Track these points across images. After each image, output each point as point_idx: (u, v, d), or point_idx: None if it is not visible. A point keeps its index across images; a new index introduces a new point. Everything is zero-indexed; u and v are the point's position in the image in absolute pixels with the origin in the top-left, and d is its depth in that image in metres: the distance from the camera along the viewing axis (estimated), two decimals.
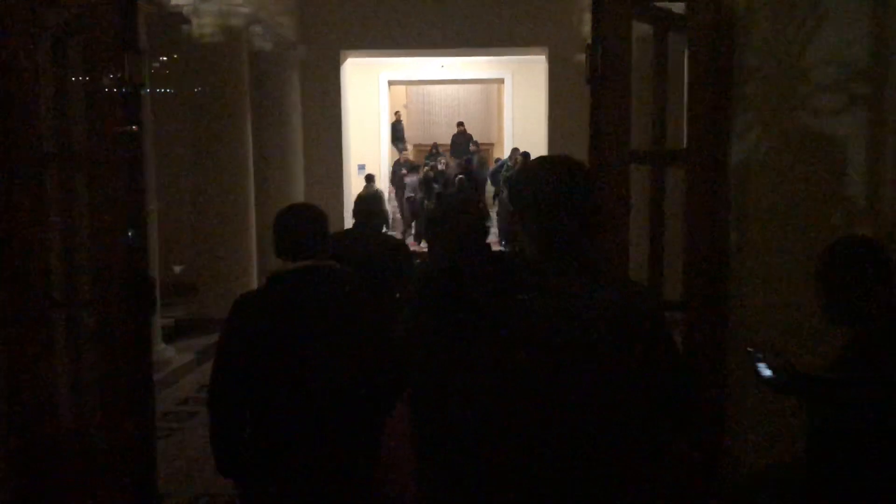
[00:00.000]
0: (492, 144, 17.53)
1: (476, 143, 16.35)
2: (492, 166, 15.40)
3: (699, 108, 2.85)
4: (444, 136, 17.66)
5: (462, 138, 16.15)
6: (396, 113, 17.79)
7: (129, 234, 3.09)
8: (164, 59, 9.68)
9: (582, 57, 2.98)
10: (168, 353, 7.03)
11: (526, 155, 13.30)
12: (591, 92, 3.02)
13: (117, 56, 3.02)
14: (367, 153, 14.64)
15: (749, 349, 2.15)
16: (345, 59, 12.50)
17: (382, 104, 16.78)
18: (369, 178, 13.85)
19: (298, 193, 11.24)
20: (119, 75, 3.01)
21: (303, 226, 2.43)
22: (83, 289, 3.22)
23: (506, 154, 15.01)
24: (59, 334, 3.21)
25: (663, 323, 1.64)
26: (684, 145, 2.91)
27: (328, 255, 2.43)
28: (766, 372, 2.13)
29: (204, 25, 8.22)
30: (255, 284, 8.02)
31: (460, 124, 16.61)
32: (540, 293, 1.53)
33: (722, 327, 2.86)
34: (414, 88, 18.99)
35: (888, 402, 1.97)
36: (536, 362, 1.47)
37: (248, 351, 2.31)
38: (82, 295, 3.23)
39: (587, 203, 1.60)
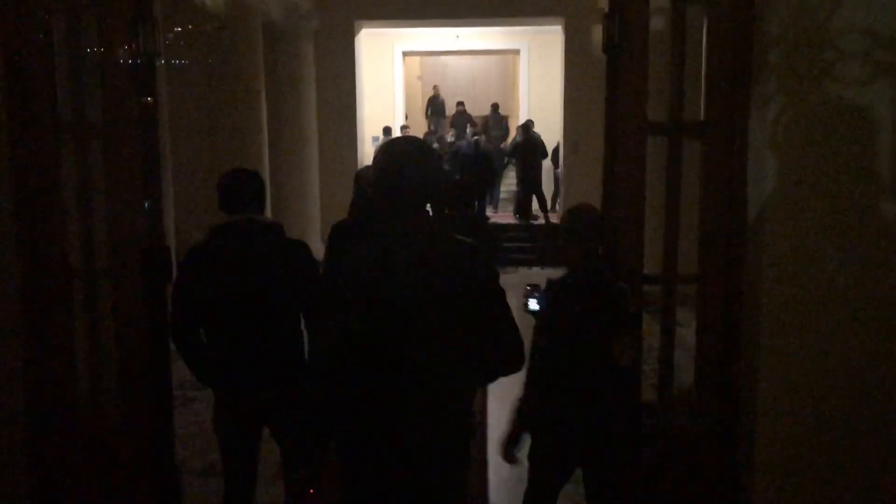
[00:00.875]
0: (507, 116, 17.41)
1: (491, 119, 16.18)
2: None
3: (718, 78, 2.80)
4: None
5: (462, 118, 16.09)
6: (435, 87, 17.70)
7: (145, 204, 3.10)
8: (178, 29, 9.64)
9: (599, 27, 2.94)
10: None
11: (526, 124, 13.20)
12: (607, 62, 2.98)
13: (132, 27, 3.01)
14: (381, 124, 14.60)
15: (527, 286, 2.80)
16: (359, 30, 12.40)
17: (397, 75, 16.67)
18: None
19: (312, 164, 11.24)
20: (133, 46, 3.01)
21: (239, 185, 3.02)
22: (99, 258, 3.25)
23: (520, 122, 14.91)
24: (77, 303, 3.25)
25: (489, 276, 2.08)
26: (702, 117, 2.88)
27: (262, 211, 3.01)
28: (534, 306, 2.79)
29: None
30: None
31: (460, 104, 16.48)
32: (383, 247, 2.03)
33: (737, 303, 2.85)
34: (428, 59, 18.83)
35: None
36: (384, 297, 1.97)
37: (194, 288, 2.92)
38: (99, 264, 3.25)
39: (417, 178, 2.01)
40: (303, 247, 3.03)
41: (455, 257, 2.04)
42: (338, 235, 3.81)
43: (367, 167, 4.39)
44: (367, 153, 13.29)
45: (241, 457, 3.08)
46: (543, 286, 2.84)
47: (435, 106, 17.25)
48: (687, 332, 3.20)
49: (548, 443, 2.85)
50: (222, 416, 3.08)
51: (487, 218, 5.25)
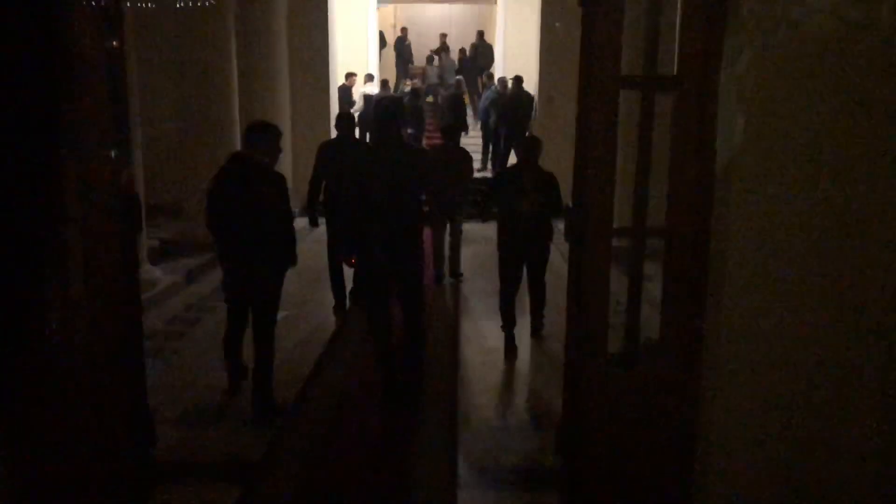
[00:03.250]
0: (492, 46, 17.28)
1: (479, 47, 16.94)
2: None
3: (691, 31, 2.80)
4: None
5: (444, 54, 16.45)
6: (403, 29, 17.41)
7: (112, 153, 3.05)
8: None
9: None
10: (155, 274, 7.05)
11: (518, 79, 13.05)
12: (583, 13, 2.97)
13: None
14: (355, 73, 14.38)
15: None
16: None
17: (371, 24, 16.37)
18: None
19: (285, 115, 11.07)
20: None
21: (247, 132, 4.35)
22: (69, 206, 3.19)
23: (497, 75, 14.86)
24: (47, 252, 3.20)
25: (429, 166, 4.74)
26: (675, 71, 2.88)
27: (268, 153, 4.30)
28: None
29: None
30: None
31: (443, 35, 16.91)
32: (376, 152, 4.57)
33: (703, 256, 2.89)
34: (403, 8, 18.50)
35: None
36: (381, 174, 4.30)
37: (211, 197, 4.27)
38: (68, 212, 3.20)
39: (396, 121, 4.47)
40: (281, 179, 4.38)
41: (411, 155, 4.62)
42: (324, 146, 6.63)
43: (347, 113, 7.21)
44: (337, 102, 13.15)
45: (237, 309, 4.54)
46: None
47: (401, 52, 17.13)
48: (655, 287, 3.25)
49: (505, 252, 5.65)
50: (227, 286, 4.48)
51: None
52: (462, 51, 16.97)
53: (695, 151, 2.86)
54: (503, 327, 5.67)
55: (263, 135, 4.27)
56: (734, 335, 2.75)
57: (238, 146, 8.41)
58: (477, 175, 12.17)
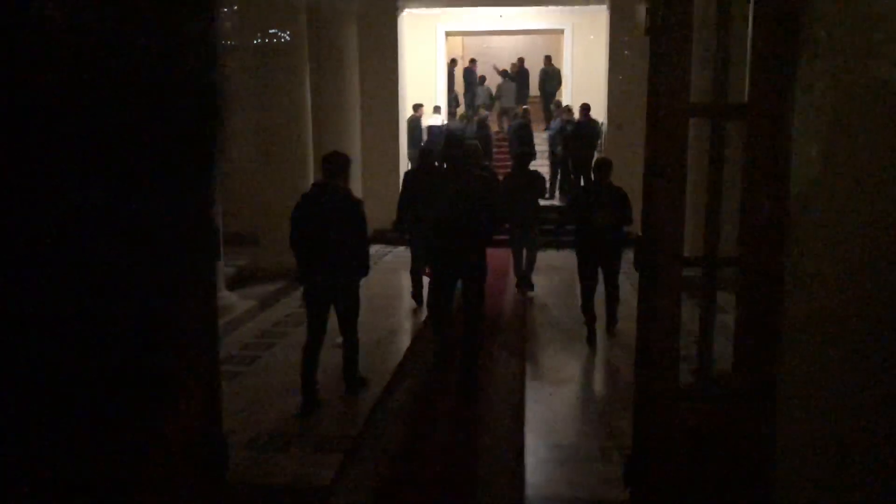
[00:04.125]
0: (559, 70, 17.39)
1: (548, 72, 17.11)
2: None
3: (762, 58, 2.77)
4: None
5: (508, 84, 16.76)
6: (471, 60, 17.75)
7: None
8: (225, 10, 9.77)
9: (643, 7, 2.92)
10: (231, 300, 7.28)
11: (585, 107, 13.02)
12: (650, 43, 2.97)
13: None
14: (424, 104, 14.64)
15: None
16: (402, 10, 12.41)
17: (440, 55, 16.65)
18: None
19: (355, 144, 11.33)
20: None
21: (327, 160, 5.07)
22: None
23: (564, 101, 14.91)
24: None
25: (493, 189, 5.89)
26: (746, 99, 2.85)
27: (342, 179, 5.03)
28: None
29: None
30: None
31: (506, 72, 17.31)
32: (448, 179, 5.53)
33: (777, 287, 2.83)
34: (470, 39, 18.75)
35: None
36: (450, 197, 5.25)
37: (298, 218, 4.96)
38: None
39: (463, 154, 5.52)
40: (359, 202, 5.09)
41: (478, 181, 5.41)
42: (409, 174, 7.82)
43: (429, 149, 8.45)
44: (406, 134, 13.38)
45: (317, 318, 5.03)
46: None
47: (469, 80, 17.41)
48: (729, 318, 3.19)
49: (582, 258, 6.49)
50: (308, 295, 5.07)
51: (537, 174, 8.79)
52: (517, 67, 17.40)
53: (767, 180, 2.81)
54: (585, 323, 6.48)
55: (337, 162, 5.06)
56: (809, 365, 2.67)
57: (311, 179, 8.74)
58: (545, 203, 12.20)
